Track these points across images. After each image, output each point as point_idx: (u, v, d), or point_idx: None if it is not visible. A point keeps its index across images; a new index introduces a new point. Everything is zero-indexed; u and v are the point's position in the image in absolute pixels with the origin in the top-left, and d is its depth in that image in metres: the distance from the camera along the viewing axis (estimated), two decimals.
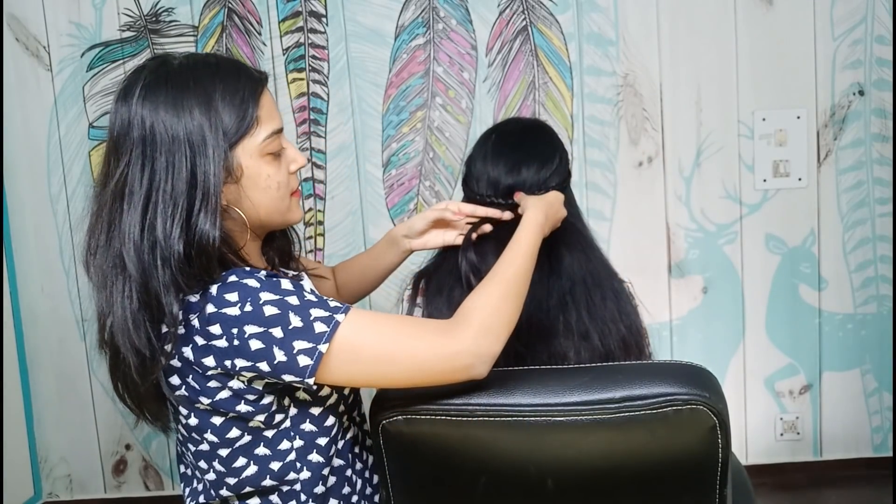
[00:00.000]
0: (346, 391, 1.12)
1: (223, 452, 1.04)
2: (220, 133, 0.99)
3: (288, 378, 0.97)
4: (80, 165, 2.34)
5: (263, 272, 1.01)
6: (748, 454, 2.39)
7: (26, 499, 2.41)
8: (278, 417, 1.04)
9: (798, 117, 2.27)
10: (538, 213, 1.16)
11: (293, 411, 1.05)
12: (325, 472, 1.09)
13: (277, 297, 0.97)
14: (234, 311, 0.96)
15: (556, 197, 1.23)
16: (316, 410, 1.07)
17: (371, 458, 1.19)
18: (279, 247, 1.19)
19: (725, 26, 2.26)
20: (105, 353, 1.04)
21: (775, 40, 2.25)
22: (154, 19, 2.28)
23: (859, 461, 2.39)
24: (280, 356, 0.95)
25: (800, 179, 2.30)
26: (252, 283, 0.98)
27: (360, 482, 1.16)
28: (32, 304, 2.40)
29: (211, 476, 1.07)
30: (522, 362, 1.18)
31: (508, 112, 2.29)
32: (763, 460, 2.39)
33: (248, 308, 0.95)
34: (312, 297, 0.99)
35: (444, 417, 0.99)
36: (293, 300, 0.97)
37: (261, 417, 1.02)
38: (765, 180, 2.30)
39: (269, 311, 0.95)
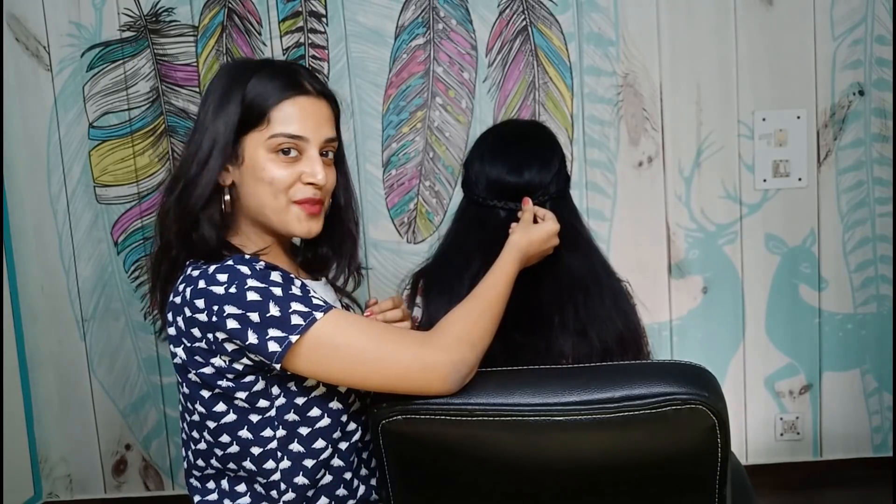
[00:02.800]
0: (344, 390, 1.13)
1: (210, 425, 1.10)
2: (236, 116, 1.11)
3: (256, 357, 1.03)
4: (80, 165, 2.34)
5: (262, 264, 1.08)
6: (748, 454, 2.39)
7: (26, 499, 2.41)
8: (263, 402, 1.08)
9: (798, 117, 2.27)
10: (521, 241, 1.18)
11: (280, 401, 1.08)
12: (308, 463, 1.10)
13: (263, 285, 1.04)
14: (219, 290, 1.04)
15: (549, 231, 1.21)
16: (300, 400, 1.10)
17: None
18: (314, 259, 1.27)
19: (725, 26, 2.26)
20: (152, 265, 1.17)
21: (775, 40, 2.25)
22: (154, 19, 2.28)
23: (859, 461, 2.38)
24: (252, 338, 1.02)
25: (800, 179, 2.30)
26: (244, 269, 1.05)
27: (363, 488, 1.16)
28: (32, 304, 2.40)
29: (202, 446, 1.12)
30: (521, 353, 1.19)
31: (508, 112, 2.29)
32: (763, 460, 2.39)
33: (232, 290, 1.03)
34: (298, 293, 1.05)
35: (444, 417, 0.99)
36: (277, 291, 1.04)
37: (242, 395, 1.07)
38: (765, 180, 2.30)
39: (251, 296, 1.02)
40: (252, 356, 1.04)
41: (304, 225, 1.15)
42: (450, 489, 1.05)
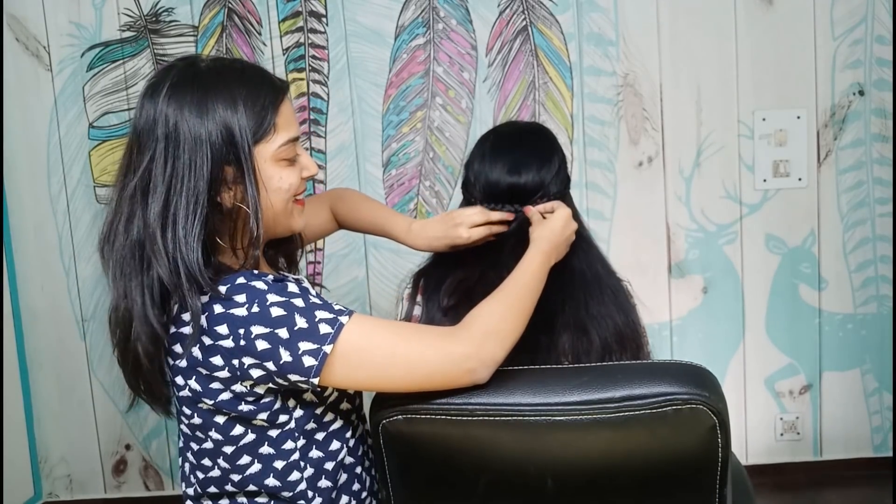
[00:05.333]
0: (352, 391, 1.13)
1: (227, 450, 1.06)
2: (243, 135, 1.02)
3: (294, 378, 0.98)
4: (80, 165, 2.34)
5: (271, 276, 1.03)
6: (748, 454, 2.39)
7: (26, 499, 2.41)
8: (282, 418, 1.05)
9: (798, 117, 2.28)
10: (541, 234, 1.18)
11: (298, 413, 1.06)
12: (329, 466, 1.10)
13: (284, 299, 0.99)
14: (241, 312, 0.98)
15: (563, 217, 1.22)
16: (319, 410, 1.08)
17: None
18: (286, 251, 1.23)
19: (725, 26, 2.26)
20: (115, 334, 1.06)
21: (775, 40, 2.25)
22: (154, 19, 2.28)
23: (859, 461, 2.38)
24: (286, 356, 0.97)
25: (800, 179, 2.30)
26: (260, 285, 1.00)
27: (368, 479, 1.17)
28: (32, 304, 2.40)
29: (215, 473, 1.08)
30: (523, 348, 1.19)
31: (508, 112, 2.29)
32: (763, 460, 2.39)
33: (255, 309, 0.97)
34: (317, 301, 1.01)
35: (444, 417, 0.99)
36: (299, 302, 0.99)
37: (263, 416, 1.03)
38: (765, 180, 2.30)
39: (276, 312, 0.97)
40: (282, 381, 0.99)
41: (302, 219, 1.14)
42: (450, 489, 1.05)
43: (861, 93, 2.27)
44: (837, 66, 2.26)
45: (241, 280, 1.00)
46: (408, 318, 1.32)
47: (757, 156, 2.29)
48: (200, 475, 1.10)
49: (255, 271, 1.03)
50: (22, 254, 2.38)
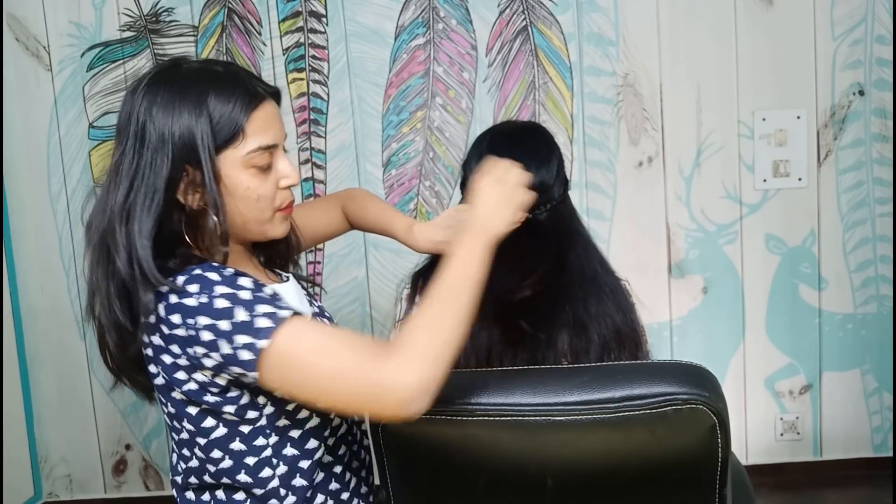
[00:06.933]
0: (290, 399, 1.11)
1: (201, 441, 1.06)
2: (203, 140, 1.02)
3: (236, 371, 0.98)
4: (80, 165, 2.34)
5: (231, 269, 1.03)
6: (748, 454, 2.39)
7: (26, 499, 2.41)
8: (252, 414, 1.05)
9: (798, 117, 2.28)
10: (473, 223, 1.02)
11: (269, 409, 1.06)
12: (304, 464, 1.09)
13: (231, 290, 0.98)
14: (191, 302, 0.98)
15: (487, 190, 1.04)
16: (291, 406, 1.08)
17: (369, 458, 1.20)
18: (279, 251, 1.22)
19: (725, 26, 2.26)
20: (92, 324, 1.08)
21: (775, 40, 2.25)
22: (154, 19, 2.28)
23: (859, 461, 2.38)
24: (226, 348, 0.97)
25: (800, 179, 2.30)
26: (213, 276, 1.00)
27: (353, 479, 1.16)
28: (32, 304, 2.40)
29: (194, 463, 1.09)
30: (520, 344, 1.19)
31: (508, 112, 2.29)
32: (763, 460, 2.39)
33: (203, 300, 0.98)
34: (264, 296, 0.99)
35: (444, 417, 0.99)
36: (244, 295, 0.98)
37: (231, 409, 1.04)
38: (765, 180, 2.30)
39: (220, 303, 0.97)
40: (231, 371, 0.99)
41: (283, 226, 1.13)
42: (450, 489, 1.05)
43: (861, 93, 2.27)
44: (837, 66, 2.26)
45: (197, 271, 1.00)
46: (407, 317, 1.32)
47: (757, 156, 2.29)
48: (183, 465, 1.11)
49: (215, 263, 1.04)
50: (22, 254, 2.38)
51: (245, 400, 1.04)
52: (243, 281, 1.01)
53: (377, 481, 1.15)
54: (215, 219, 1.04)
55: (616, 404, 0.95)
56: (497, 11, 2.27)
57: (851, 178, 2.30)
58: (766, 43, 2.26)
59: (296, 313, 0.98)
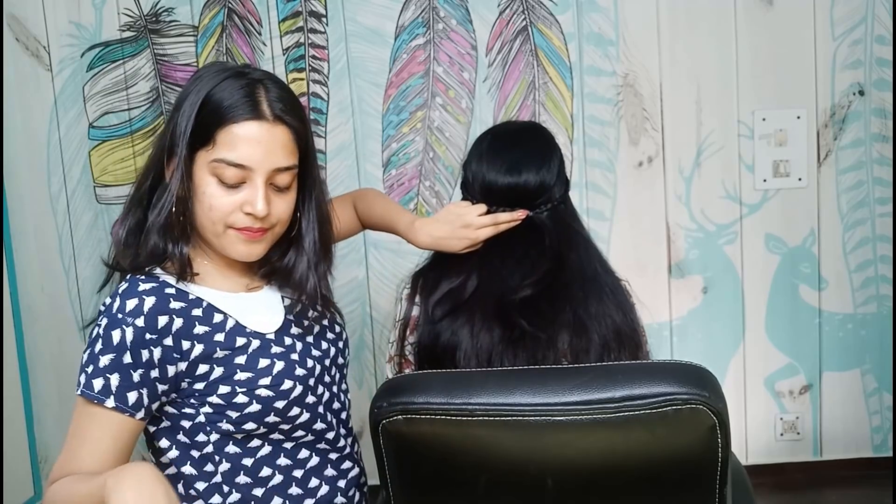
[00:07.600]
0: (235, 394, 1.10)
1: (150, 429, 1.11)
2: (185, 131, 1.08)
3: None
4: (80, 165, 2.34)
5: (151, 284, 1.07)
6: (748, 454, 2.39)
7: (26, 499, 2.41)
8: (187, 411, 1.08)
9: (798, 117, 2.28)
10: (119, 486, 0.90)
11: (206, 409, 1.08)
12: (247, 462, 1.10)
13: (101, 328, 1.04)
14: (102, 309, 1.08)
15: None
16: (238, 435, 1.10)
17: (358, 468, 1.22)
18: (278, 269, 1.20)
19: (725, 26, 2.26)
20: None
21: (775, 40, 2.25)
22: (154, 19, 2.28)
23: (859, 461, 2.39)
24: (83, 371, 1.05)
25: (800, 179, 2.30)
26: (115, 304, 1.05)
27: (324, 487, 1.16)
28: (32, 304, 2.39)
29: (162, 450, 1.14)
30: (521, 343, 1.19)
31: (508, 112, 2.29)
32: (763, 460, 2.39)
33: (102, 320, 1.05)
34: (105, 357, 1.03)
35: (444, 417, 0.99)
36: (98, 344, 1.04)
37: (155, 405, 1.07)
38: (765, 180, 2.30)
39: (94, 332, 1.05)
40: None
41: (241, 249, 1.10)
42: (450, 489, 1.05)
43: (861, 93, 2.27)
44: (837, 66, 2.26)
45: (123, 285, 1.07)
46: (406, 318, 1.32)
47: (757, 156, 2.29)
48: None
49: (142, 277, 1.07)
50: (22, 254, 2.38)
51: (200, 419, 1.09)
52: (116, 333, 1.03)
53: (377, 481, 1.15)
54: (172, 207, 1.08)
55: (616, 404, 0.95)
56: (497, 11, 2.27)
57: (851, 178, 2.30)
58: (766, 43, 2.26)
59: (101, 398, 1.01)
